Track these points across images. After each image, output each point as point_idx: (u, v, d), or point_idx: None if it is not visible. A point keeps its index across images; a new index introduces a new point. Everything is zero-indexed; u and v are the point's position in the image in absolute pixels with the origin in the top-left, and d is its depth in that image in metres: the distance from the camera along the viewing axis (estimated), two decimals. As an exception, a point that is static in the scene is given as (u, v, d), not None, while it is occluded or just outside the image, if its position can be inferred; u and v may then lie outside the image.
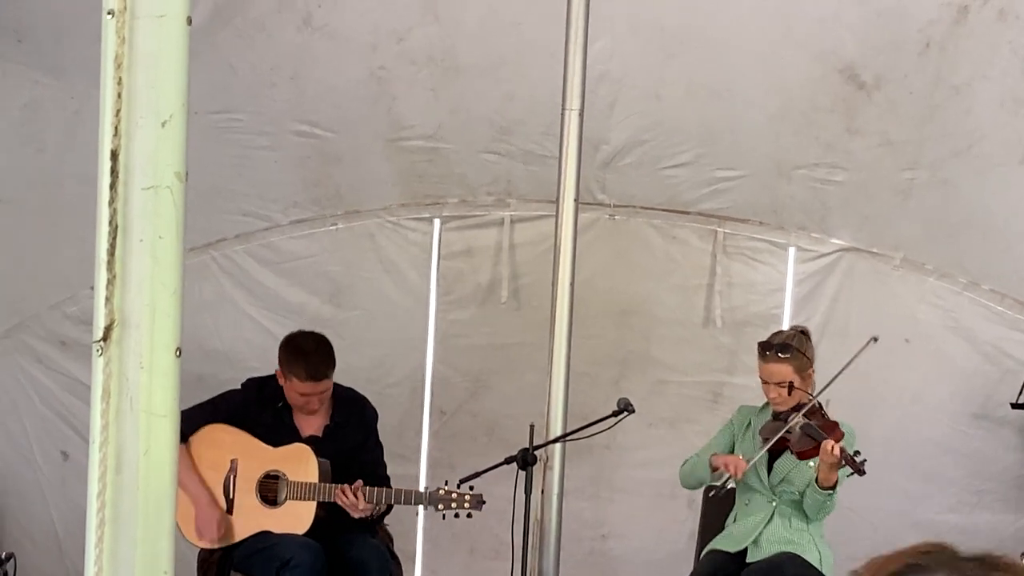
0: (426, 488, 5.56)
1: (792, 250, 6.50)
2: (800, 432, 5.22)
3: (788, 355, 5.33)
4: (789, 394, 5.33)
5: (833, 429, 5.19)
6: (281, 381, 5.60)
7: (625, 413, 5.11)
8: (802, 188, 6.22)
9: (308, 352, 5.56)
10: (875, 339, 5.41)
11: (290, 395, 5.58)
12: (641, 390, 6.45)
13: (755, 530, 5.43)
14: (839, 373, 5.33)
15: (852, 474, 5.09)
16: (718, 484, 5.33)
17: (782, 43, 5.57)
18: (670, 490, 5.76)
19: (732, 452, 5.56)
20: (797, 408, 5.29)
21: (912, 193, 6.05)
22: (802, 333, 5.49)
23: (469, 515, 5.43)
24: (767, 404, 5.52)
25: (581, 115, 5.00)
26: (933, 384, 6.47)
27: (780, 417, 5.37)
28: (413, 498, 5.51)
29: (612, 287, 6.61)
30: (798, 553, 5.33)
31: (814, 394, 5.33)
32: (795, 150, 6.05)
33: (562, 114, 5.01)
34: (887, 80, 5.63)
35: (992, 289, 6.29)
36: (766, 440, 5.33)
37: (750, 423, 5.58)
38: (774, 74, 5.72)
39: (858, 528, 6.23)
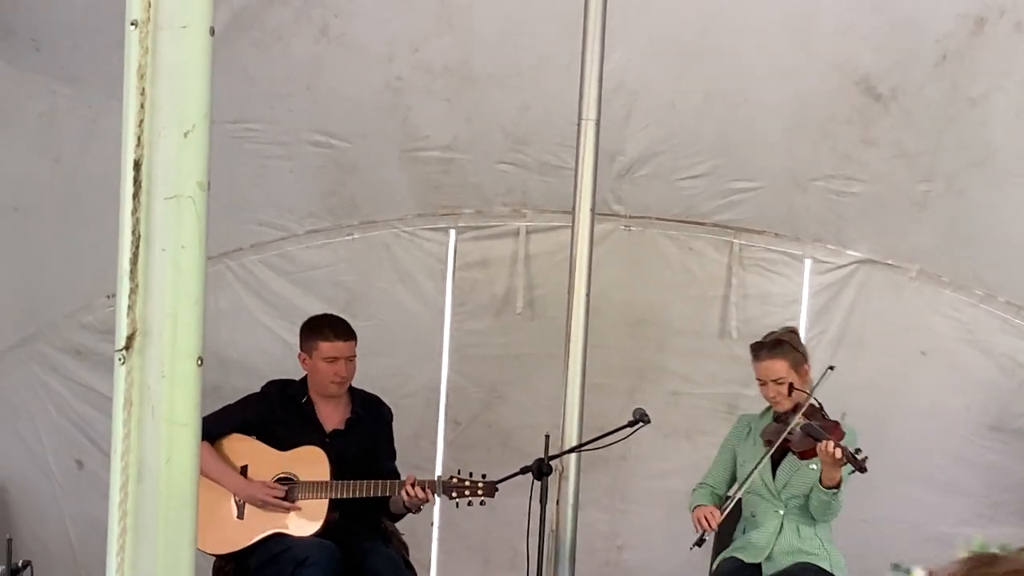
0: (439, 477, 5.56)
1: (808, 262, 6.50)
2: (801, 432, 5.22)
3: (780, 351, 5.36)
4: (789, 394, 5.33)
5: (834, 428, 5.19)
6: (305, 364, 5.68)
7: (640, 424, 5.11)
8: (818, 199, 6.21)
9: (331, 318, 5.76)
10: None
11: (316, 368, 5.64)
12: (656, 401, 6.45)
13: (768, 545, 5.43)
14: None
15: (854, 471, 5.08)
16: (697, 538, 5.33)
17: (797, 54, 5.57)
18: (685, 501, 5.74)
19: (735, 465, 5.59)
20: (796, 408, 5.29)
21: (928, 205, 6.04)
22: (791, 331, 5.53)
23: (483, 502, 5.44)
24: (768, 409, 5.54)
25: (597, 125, 5.00)
26: (949, 396, 6.45)
27: (781, 419, 5.38)
28: (426, 487, 5.51)
29: (628, 298, 6.61)
30: (812, 562, 5.33)
31: (811, 393, 5.33)
32: (811, 161, 6.05)
33: (578, 124, 5.00)
34: (903, 91, 5.63)
35: (1008, 301, 6.28)
36: (768, 443, 5.35)
37: (750, 429, 5.60)
38: (789, 85, 5.71)
39: (873, 540, 6.22)
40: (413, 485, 5.39)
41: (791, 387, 5.33)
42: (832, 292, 6.49)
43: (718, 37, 5.55)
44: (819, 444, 5.08)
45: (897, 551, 6.26)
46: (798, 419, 5.24)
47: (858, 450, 5.08)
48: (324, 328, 5.67)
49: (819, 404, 5.31)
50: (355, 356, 5.70)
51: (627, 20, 5.18)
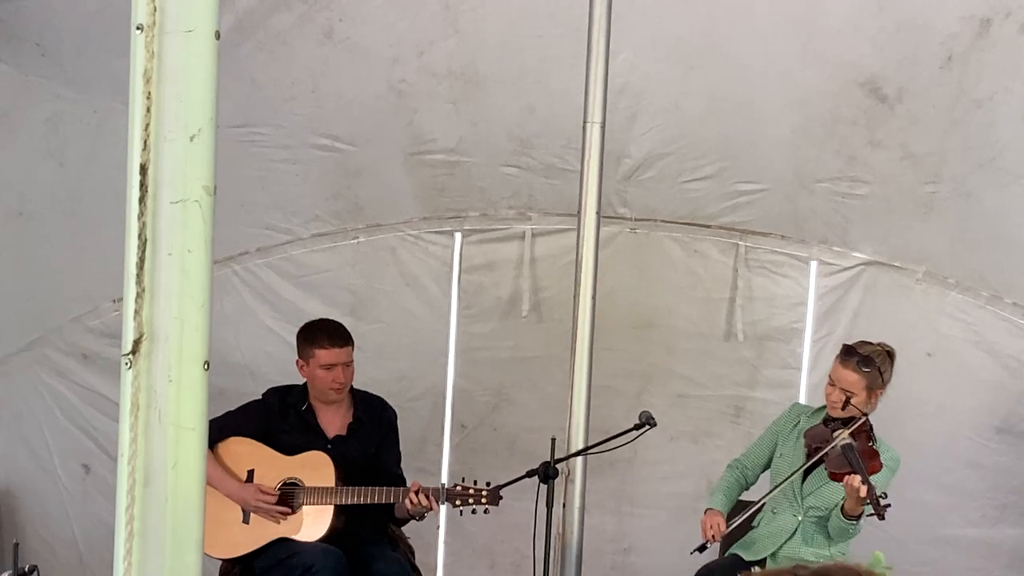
0: (442, 484, 5.54)
1: (814, 263, 6.49)
2: (839, 452, 5.15)
3: (868, 369, 5.27)
4: (843, 408, 5.28)
5: (872, 459, 5.14)
6: (303, 371, 5.64)
7: (647, 427, 5.09)
8: (824, 201, 6.20)
9: (326, 324, 5.71)
10: None
11: (315, 375, 5.60)
12: (663, 404, 6.44)
13: (776, 543, 5.41)
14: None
15: (872, 515, 5.05)
16: (699, 544, 5.31)
17: (803, 56, 5.56)
18: (692, 504, 5.74)
19: (773, 453, 5.56)
20: (847, 423, 5.26)
21: (934, 206, 6.03)
22: (888, 353, 5.39)
23: (486, 510, 5.42)
24: (821, 408, 5.50)
25: (603, 128, 4.98)
26: (955, 398, 6.43)
27: (828, 423, 5.33)
28: (429, 495, 5.50)
29: (633, 300, 6.60)
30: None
31: (867, 414, 5.27)
32: (817, 163, 6.04)
33: (583, 127, 4.99)
34: (909, 93, 5.62)
35: (1015, 303, 6.26)
36: (808, 447, 5.31)
37: (799, 422, 5.53)
38: (795, 87, 5.71)
39: (880, 543, 6.16)
40: (417, 493, 5.38)
41: (847, 400, 5.28)
42: (838, 294, 6.48)
43: (722, 39, 5.55)
44: (849, 476, 5.04)
45: (903, 553, 6.26)
46: (843, 436, 5.20)
47: (884, 495, 5.01)
48: (320, 335, 5.61)
49: (870, 426, 5.28)
50: (352, 361, 5.66)
51: (632, 22, 5.18)
